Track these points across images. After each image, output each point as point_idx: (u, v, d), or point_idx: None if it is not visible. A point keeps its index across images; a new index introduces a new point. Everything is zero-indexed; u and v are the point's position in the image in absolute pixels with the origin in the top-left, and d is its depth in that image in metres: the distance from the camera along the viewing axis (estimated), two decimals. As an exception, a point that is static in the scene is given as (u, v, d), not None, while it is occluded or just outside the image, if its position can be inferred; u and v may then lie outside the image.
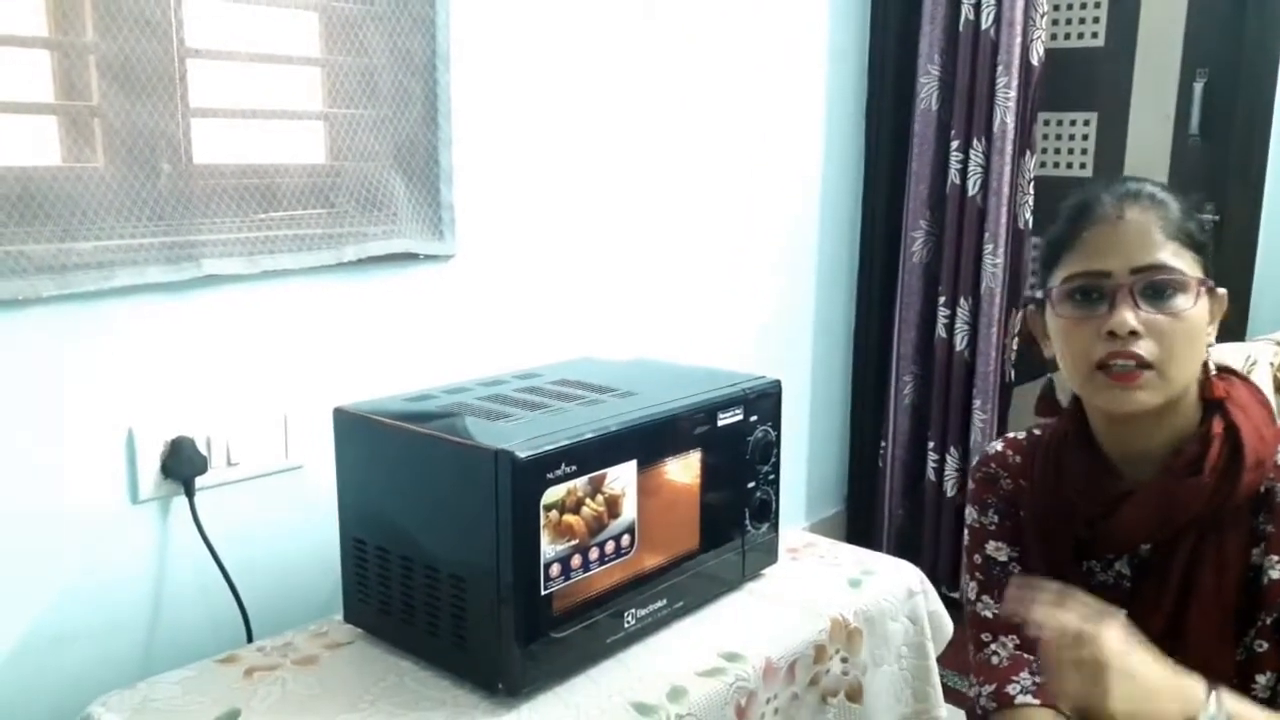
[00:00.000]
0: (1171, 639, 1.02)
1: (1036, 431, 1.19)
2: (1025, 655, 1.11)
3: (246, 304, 1.51)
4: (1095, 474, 1.10)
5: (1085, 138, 2.66)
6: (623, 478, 1.25)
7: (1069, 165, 2.71)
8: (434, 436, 1.20)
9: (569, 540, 1.19)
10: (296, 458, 1.56)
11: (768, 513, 1.51)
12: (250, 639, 1.47)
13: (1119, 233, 1.02)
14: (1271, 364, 2.10)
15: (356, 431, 1.30)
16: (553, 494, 1.16)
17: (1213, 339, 1.07)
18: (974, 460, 1.24)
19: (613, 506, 1.24)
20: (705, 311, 2.32)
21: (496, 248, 1.83)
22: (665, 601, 1.35)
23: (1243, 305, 2.45)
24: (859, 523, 2.85)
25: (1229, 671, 1.01)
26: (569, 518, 1.19)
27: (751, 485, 1.47)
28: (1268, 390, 2.07)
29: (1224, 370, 1.10)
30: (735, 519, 1.46)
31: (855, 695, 1.44)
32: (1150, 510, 1.05)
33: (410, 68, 1.67)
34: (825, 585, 1.52)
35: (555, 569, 1.18)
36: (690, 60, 2.18)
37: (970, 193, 2.50)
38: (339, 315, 1.62)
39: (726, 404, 1.41)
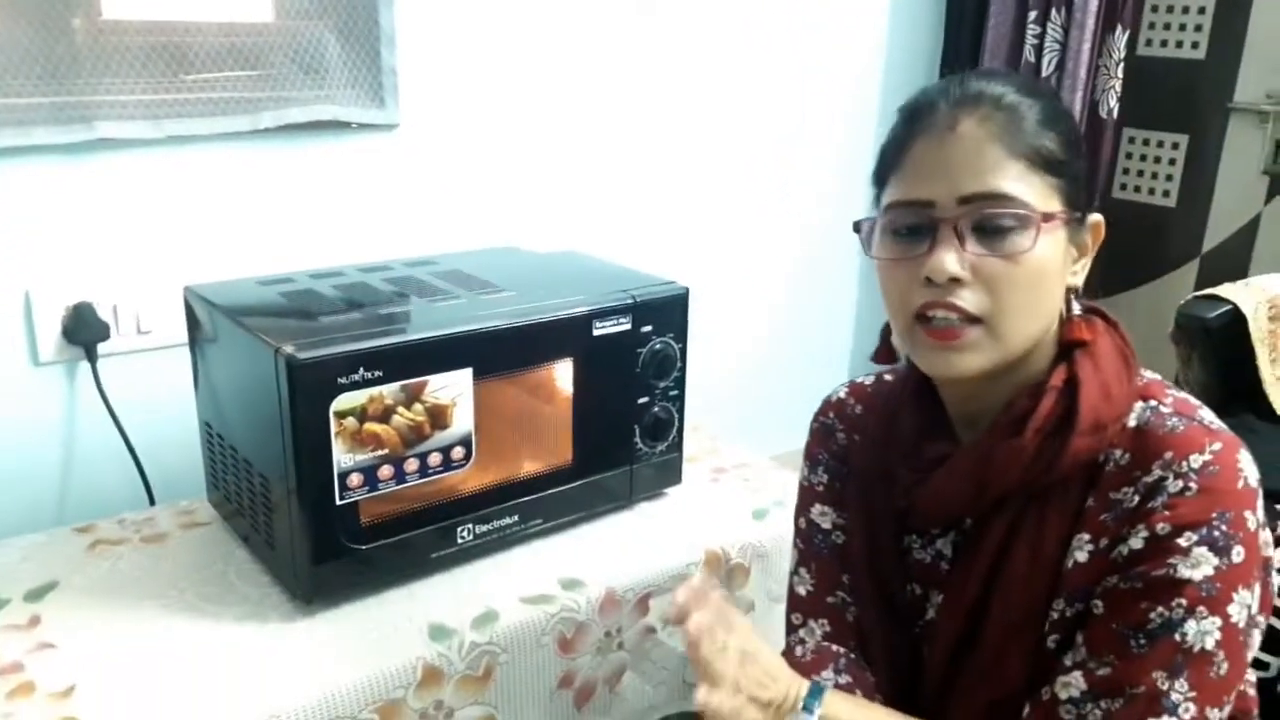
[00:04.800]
0: (969, 636, 0.86)
1: (888, 378, 1.01)
2: (834, 648, 0.96)
3: (151, 170, 1.46)
4: (921, 433, 0.91)
5: (1201, 10, 2.23)
6: (453, 386, 1.16)
7: (1179, 44, 2.28)
8: (242, 328, 1.13)
9: (374, 450, 1.11)
10: (207, 330, 1.54)
11: (666, 431, 1.38)
12: (152, 503, 1.49)
13: (948, 149, 0.80)
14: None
15: (199, 313, 1.25)
16: (347, 400, 1.07)
17: (1080, 276, 0.86)
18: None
19: (438, 417, 1.15)
20: (728, 220, 2.13)
21: (446, 118, 1.71)
22: (517, 518, 1.27)
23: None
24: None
25: (1022, 680, 0.83)
26: (374, 426, 1.11)
27: (644, 400, 1.35)
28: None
29: (1091, 311, 0.88)
30: (623, 436, 1.35)
31: (731, 635, 1.32)
32: (961, 477, 0.86)
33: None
34: (725, 513, 1.40)
35: (355, 479, 1.11)
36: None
37: (1044, 73, 2.16)
38: (261, 185, 1.55)
39: (606, 313, 1.27)
